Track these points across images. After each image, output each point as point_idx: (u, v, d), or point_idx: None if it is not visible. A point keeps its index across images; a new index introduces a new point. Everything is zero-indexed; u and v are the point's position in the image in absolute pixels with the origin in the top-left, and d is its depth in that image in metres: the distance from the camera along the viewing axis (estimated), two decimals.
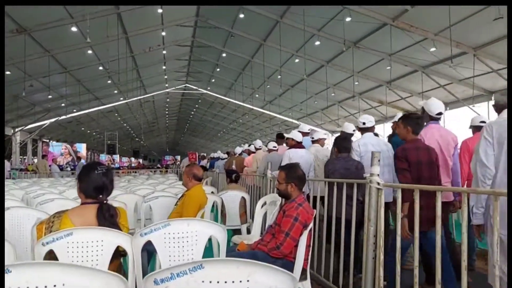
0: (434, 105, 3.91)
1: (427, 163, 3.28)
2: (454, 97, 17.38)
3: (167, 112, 42.16)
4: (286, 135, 6.23)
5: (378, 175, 2.79)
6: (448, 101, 18.29)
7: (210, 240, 2.43)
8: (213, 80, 28.57)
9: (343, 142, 4.38)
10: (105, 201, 2.33)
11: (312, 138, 6.18)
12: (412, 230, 2.42)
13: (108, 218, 2.20)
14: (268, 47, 18.57)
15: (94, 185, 2.29)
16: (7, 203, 4.25)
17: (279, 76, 21.22)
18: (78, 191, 2.35)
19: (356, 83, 19.39)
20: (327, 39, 15.88)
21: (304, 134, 6.27)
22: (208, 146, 61.32)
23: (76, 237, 1.97)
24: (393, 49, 15.00)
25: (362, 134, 4.62)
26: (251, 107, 30.70)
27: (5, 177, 15.30)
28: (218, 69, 25.36)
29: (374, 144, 4.36)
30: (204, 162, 16.63)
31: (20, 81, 18.08)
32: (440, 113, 3.88)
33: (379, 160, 2.80)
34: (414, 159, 3.27)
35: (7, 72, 16.90)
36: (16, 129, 27.76)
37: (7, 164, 17.55)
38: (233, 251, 3.12)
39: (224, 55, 21.93)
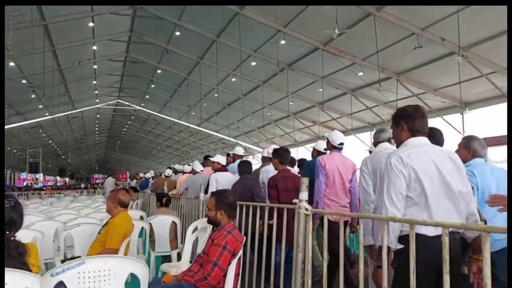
0: (336, 136, 4.52)
1: (294, 189, 3.48)
2: (380, 119, 18.52)
3: (97, 129, 40.20)
4: (211, 159, 6.21)
5: (306, 200, 2.82)
6: (374, 122, 19.47)
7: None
8: (147, 97, 27.83)
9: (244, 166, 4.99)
10: (12, 238, 2.06)
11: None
12: None
13: (16, 256, 1.96)
14: (205, 65, 18.56)
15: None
16: None
17: (216, 94, 21.24)
18: None
19: (291, 103, 19.96)
20: (263, 60, 16.23)
21: (238, 157, 6.30)
22: (142, 164, 59.25)
23: None
24: (325, 72, 15.70)
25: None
26: (187, 124, 30.29)
27: None
28: (152, 85, 24.79)
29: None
30: (133, 183, 15.99)
31: None
32: (341, 143, 4.46)
33: (307, 186, 2.82)
34: (282, 187, 3.95)
35: None
36: None
37: None
38: (159, 283, 2.96)
39: (159, 71, 21.52)
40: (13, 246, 2.02)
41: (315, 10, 11.90)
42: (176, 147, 41.42)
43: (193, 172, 7.26)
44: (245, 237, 2.99)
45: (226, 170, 5.68)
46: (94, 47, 17.79)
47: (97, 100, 28.83)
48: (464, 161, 2.76)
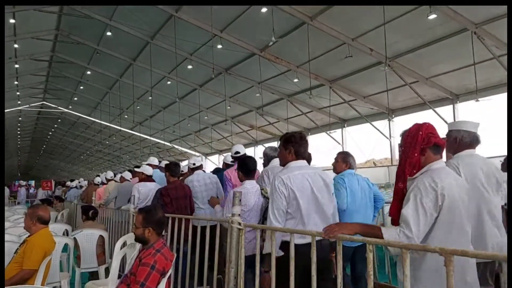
0: (234, 149, 5.16)
1: (183, 196, 4.72)
2: (314, 124, 19.14)
3: (19, 132, 37.21)
4: (137, 169, 6.36)
5: (239, 215, 2.77)
6: (309, 127, 20.08)
7: None
8: (75, 99, 26.29)
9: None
10: None
11: (194, 164, 5.92)
12: None
13: None
14: (138, 67, 17.93)
15: None
16: None
17: (150, 97, 20.60)
18: None
19: (229, 107, 19.95)
20: (199, 64, 16.04)
21: (154, 166, 6.46)
22: (70, 170, 55.88)
23: None
24: (262, 77, 15.89)
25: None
26: (120, 128, 29.06)
27: None
28: (81, 87, 23.46)
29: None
30: (59, 192, 14.98)
31: None
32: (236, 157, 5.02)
33: (240, 200, 2.78)
34: (174, 196, 4.65)
35: None
36: None
37: None
38: None
39: (89, 72, 20.43)
40: None
41: (252, 15, 11.99)
42: (107, 151, 39.55)
43: (122, 180, 7.19)
44: (175, 254, 2.87)
45: (152, 180, 5.79)
46: (16, 45, 16.43)
47: (19, 102, 26.63)
48: (340, 171, 3.83)
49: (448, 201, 1.94)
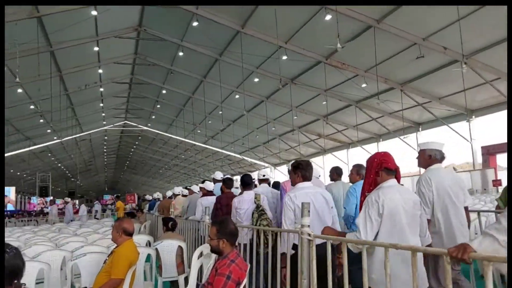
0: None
1: (226, 205, 5.28)
2: (385, 129, 18.45)
3: (105, 150, 40.54)
4: (200, 185, 7.07)
5: (308, 226, 2.79)
6: (381, 133, 19.41)
7: None
8: (153, 117, 28.11)
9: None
10: (23, 286, 2.00)
11: (263, 176, 6.19)
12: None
13: None
14: (208, 83, 18.73)
15: (9, 271, 1.99)
16: None
17: (220, 112, 21.37)
18: None
19: (295, 117, 20.00)
20: (265, 76, 16.34)
21: (217, 181, 7.02)
22: (150, 184, 59.39)
23: None
24: (328, 85, 15.74)
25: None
26: (193, 142, 30.44)
27: None
28: (158, 106, 25.04)
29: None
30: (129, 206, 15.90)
31: None
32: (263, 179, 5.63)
33: (309, 211, 2.80)
34: (224, 203, 5.33)
35: None
36: None
37: None
38: None
39: (164, 91, 21.76)
40: None
41: (315, 23, 12.00)
42: (183, 165, 41.54)
43: (190, 192, 8.11)
44: (249, 265, 2.96)
45: (213, 195, 6.32)
46: (100, 71, 18.07)
47: (104, 122, 29.13)
48: (354, 182, 4.36)
49: (388, 211, 2.59)
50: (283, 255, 3.23)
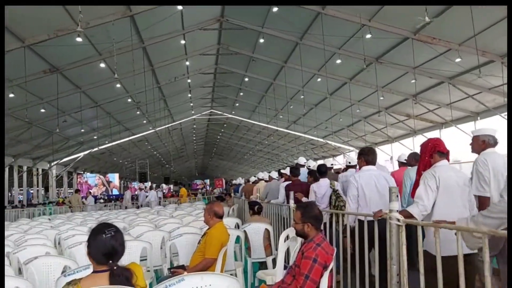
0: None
1: (299, 191, 5.92)
2: (484, 107, 16.83)
3: (194, 138, 42.84)
4: (282, 171, 7.72)
5: (397, 211, 2.71)
6: (479, 111, 17.76)
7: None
8: (237, 104, 28.94)
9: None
10: (115, 267, 2.19)
11: (349, 163, 6.31)
12: None
13: (124, 281, 2.13)
14: (289, 68, 18.70)
15: (103, 251, 2.17)
16: (39, 249, 4.38)
17: (302, 96, 21.23)
18: (88, 257, 2.22)
19: (381, 98, 19.12)
20: (348, 57, 15.84)
21: (301, 166, 7.48)
22: (236, 169, 61.53)
23: None
24: (416, 62, 14.74)
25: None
26: (276, 128, 30.75)
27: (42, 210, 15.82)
28: (241, 93, 25.68)
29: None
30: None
31: (54, 117, 18.91)
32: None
33: (397, 196, 2.72)
34: (293, 190, 5.65)
35: (42, 110, 17.72)
36: (52, 163, 28.90)
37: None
38: None
39: (246, 79, 22.22)
40: (119, 273, 2.16)
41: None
42: (267, 150, 42.27)
43: (270, 179, 8.69)
44: (335, 248, 2.98)
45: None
46: (187, 63, 19.05)
47: (192, 112, 30.78)
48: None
49: (443, 184, 3.02)
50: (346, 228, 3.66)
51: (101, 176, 33.90)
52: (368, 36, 13.18)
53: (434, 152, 3.26)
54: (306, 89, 20.39)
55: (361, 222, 3.40)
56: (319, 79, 18.95)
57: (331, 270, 2.83)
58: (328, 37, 14.05)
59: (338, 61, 16.08)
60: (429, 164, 3.28)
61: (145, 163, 31.15)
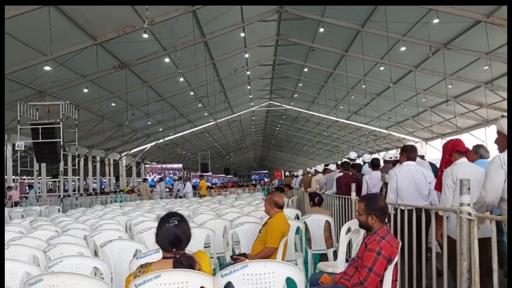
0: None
1: (348, 184, 5.76)
2: None
3: (253, 130, 43.36)
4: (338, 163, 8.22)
5: (468, 204, 2.57)
6: None
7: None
8: (296, 95, 28.76)
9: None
10: (179, 255, 2.29)
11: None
12: None
13: (187, 268, 2.23)
14: (350, 57, 18.22)
15: (168, 239, 2.28)
16: (113, 233, 4.72)
17: (364, 86, 20.60)
18: (157, 244, 2.35)
19: (450, 86, 18.02)
20: (413, 44, 15.09)
21: (352, 160, 7.97)
22: (294, 160, 61.37)
23: (163, 279, 2.11)
24: (490, 47, 13.70)
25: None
26: (336, 119, 30.14)
27: (112, 199, 16.93)
28: (300, 84, 25.48)
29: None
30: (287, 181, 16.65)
31: (123, 111, 20.12)
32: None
33: (468, 188, 2.57)
34: (343, 182, 6.62)
35: (112, 104, 18.92)
36: (122, 154, 30.80)
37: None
38: (317, 282, 3.09)
39: (306, 70, 21.98)
40: (182, 261, 2.25)
41: None
42: (326, 142, 41.63)
43: (328, 171, 8.81)
44: (400, 242, 2.89)
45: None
46: (246, 55, 19.26)
47: (251, 103, 31.14)
48: (474, 160, 4.42)
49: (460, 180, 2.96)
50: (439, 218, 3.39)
51: (167, 166, 35.48)
52: (436, 21, 12.45)
53: (453, 151, 3.69)
54: (368, 78, 19.75)
55: (401, 212, 3.71)
56: (382, 68, 18.26)
57: (396, 264, 2.75)
58: (391, 23, 13.47)
59: (403, 49, 15.37)
60: (450, 162, 3.69)
61: (207, 154, 32.09)
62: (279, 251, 3.93)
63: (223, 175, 54.45)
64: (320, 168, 10.63)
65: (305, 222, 5.24)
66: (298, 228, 5.27)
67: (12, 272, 2.92)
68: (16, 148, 12.75)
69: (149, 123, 24.45)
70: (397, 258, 2.76)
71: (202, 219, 5.80)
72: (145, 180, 22.16)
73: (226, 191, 20.85)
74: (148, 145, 31.51)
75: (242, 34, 16.65)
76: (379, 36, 14.90)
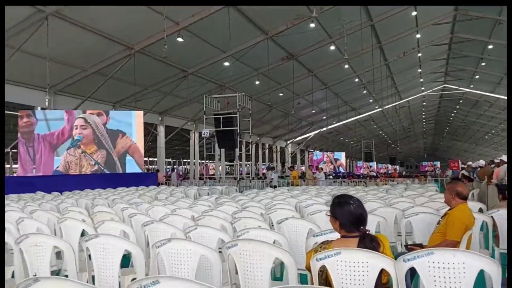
0: None
1: None
2: None
3: (423, 116, 40.02)
4: None
5: None
6: None
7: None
8: (476, 77, 25.25)
9: None
10: (365, 232, 2.40)
11: None
12: None
13: (372, 248, 2.26)
14: None
15: (353, 219, 2.41)
16: (286, 212, 5.08)
17: None
18: (338, 229, 2.47)
19: None
20: None
21: None
22: (473, 151, 54.33)
23: (343, 257, 2.18)
24: None
25: None
26: None
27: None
28: (483, 64, 22.25)
29: None
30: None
31: (289, 100, 21.13)
32: None
33: None
34: None
35: (280, 94, 20.09)
36: (288, 142, 32.48)
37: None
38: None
39: (490, 46, 19.07)
40: (368, 240, 2.34)
41: None
42: None
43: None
44: None
45: None
46: (418, 35, 17.84)
47: (422, 88, 28.79)
48: None
49: None
50: None
51: (329, 154, 35.89)
52: None
53: None
54: None
55: None
56: None
57: None
58: None
59: None
60: None
61: (370, 142, 31.13)
62: (462, 245, 3.58)
63: (388, 165, 51.94)
64: (505, 157, 9.23)
65: (492, 217, 4.63)
66: (483, 224, 4.69)
67: (210, 237, 3.46)
68: (203, 136, 14.72)
69: (313, 111, 25.05)
70: None
71: (370, 206, 5.70)
72: (309, 167, 22.90)
73: (393, 181, 19.86)
74: (312, 133, 32.38)
75: (414, 13, 15.45)
76: None
